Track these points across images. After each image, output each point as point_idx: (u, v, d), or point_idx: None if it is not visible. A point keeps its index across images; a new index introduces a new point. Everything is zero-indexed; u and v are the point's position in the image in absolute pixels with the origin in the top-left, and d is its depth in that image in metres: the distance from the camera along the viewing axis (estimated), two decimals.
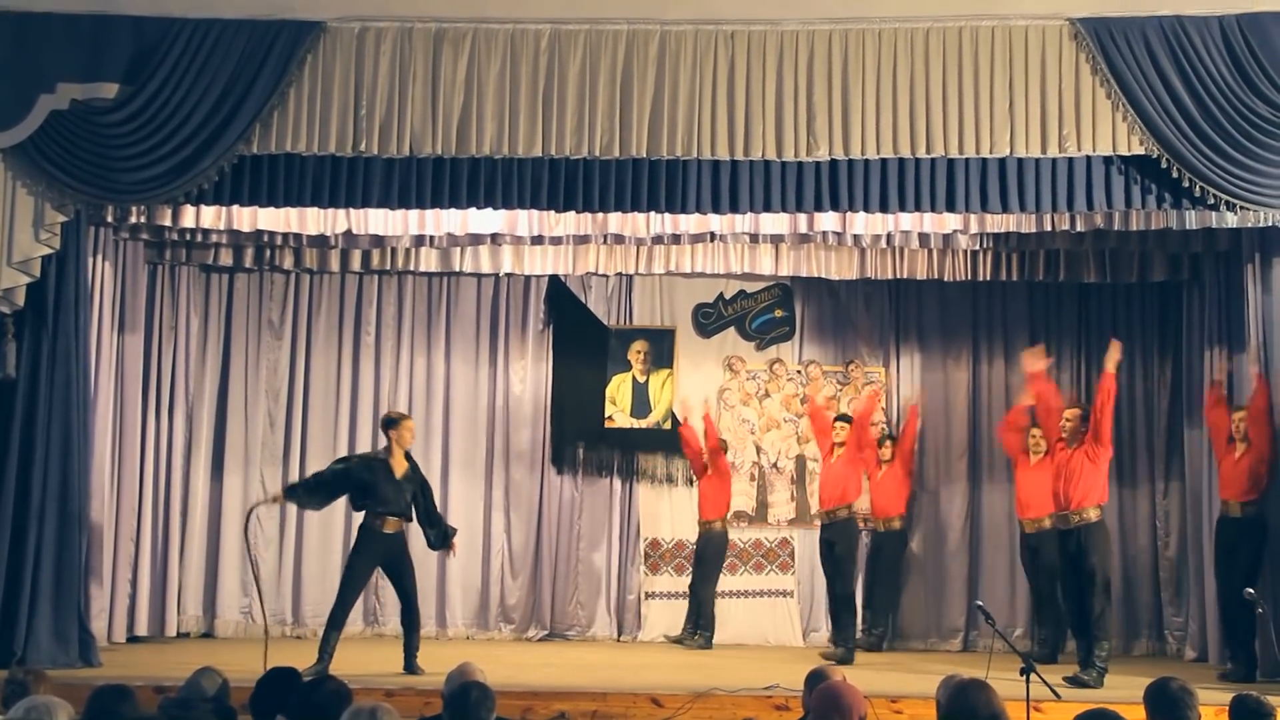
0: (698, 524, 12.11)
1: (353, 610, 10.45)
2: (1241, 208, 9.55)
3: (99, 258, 10.64)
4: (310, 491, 10.23)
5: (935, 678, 6.29)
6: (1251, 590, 9.34)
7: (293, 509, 12.30)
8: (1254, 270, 10.49)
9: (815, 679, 6.20)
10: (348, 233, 10.88)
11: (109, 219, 10.42)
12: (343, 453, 12.23)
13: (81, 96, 9.61)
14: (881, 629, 11.97)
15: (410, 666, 9.78)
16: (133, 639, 11.40)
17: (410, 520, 10.13)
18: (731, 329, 12.92)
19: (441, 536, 10.33)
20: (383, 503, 9.92)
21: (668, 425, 12.75)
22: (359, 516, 10.15)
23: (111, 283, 10.97)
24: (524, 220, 10.87)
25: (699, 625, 11.88)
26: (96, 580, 10.58)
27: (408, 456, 10.17)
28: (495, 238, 11.26)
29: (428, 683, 8.57)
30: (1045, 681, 7.94)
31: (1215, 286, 11.37)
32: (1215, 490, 10.86)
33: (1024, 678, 7.29)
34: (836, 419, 11.73)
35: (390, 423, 10.29)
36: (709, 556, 11.99)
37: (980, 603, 9.64)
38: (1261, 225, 9.91)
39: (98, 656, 9.87)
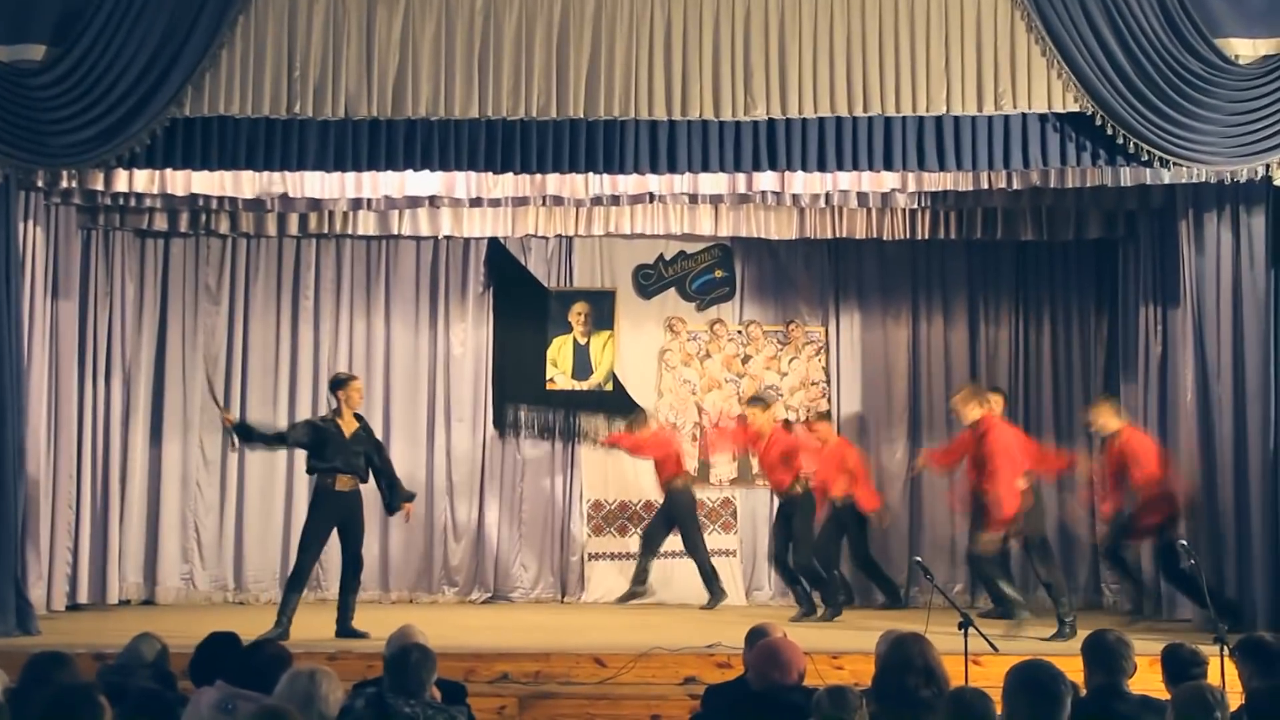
0: (662, 487, 12.11)
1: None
2: (1175, 164, 9.63)
3: (30, 223, 10.46)
4: (257, 434, 10.33)
5: (876, 634, 6.35)
6: (1184, 543, 9.48)
7: (233, 475, 12.28)
8: (1188, 226, 10.59)
9: (755, 635, 6.24)
10: (284, 196, 10.78)
11: (39, 184, 10.25)
12: (283, 419, 12.21)
13: (7, 59, 9.45)
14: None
15: (345, 629, 9.76)
16: (73, 607, 11.31)
17: (364, 480, 10.11)
18: (672, 290, 12.92)
19: (398, 497, 10.29)
20: (333, 461, 9.89)
21: (609, 387, 12.75)
22: (303, 483, 10.08)
23: (43, 248, 10.79)
24: (462, 182, 10.81)
25: (708, 585, 11.94)
26: (34, 548, 10.46)
27: (358, 417, 10.16)
28: (433, 200, 11.20)
29: (369, 646, 8.56)
30: (984, 635, 8.03)
31: (1150, 243, 11.49)
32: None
33: (962, 631, 7.38)
34: (750, 402, 11.85)
35: (338, 383, 10.28)
36: (682, 516, 12.01)
37: (919, 559, 9.72)
38: (1194, 181, 10.00)
39: (36, 624, 9.79)
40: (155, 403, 12.41)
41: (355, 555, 10.08)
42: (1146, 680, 5.88)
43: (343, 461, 9.93)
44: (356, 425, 10.09)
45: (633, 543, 12.48)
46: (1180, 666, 5.74)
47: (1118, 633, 5.62)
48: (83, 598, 11.48)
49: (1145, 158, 9.56)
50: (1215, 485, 10.29)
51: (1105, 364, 12.50)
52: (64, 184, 10.38)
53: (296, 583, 9.94)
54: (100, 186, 10.43)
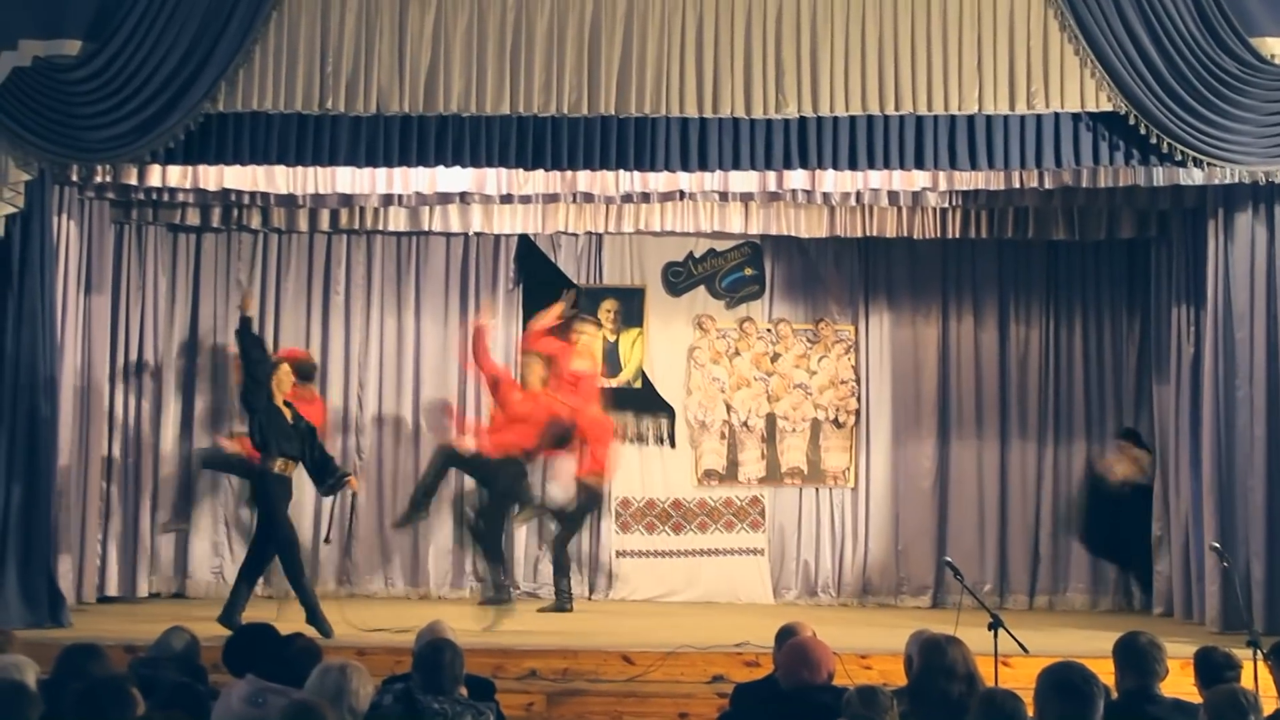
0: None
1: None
2: (1208, 164, 9.58)
3: (64, 217, 10.55)
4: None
5: (904, 633, 6.33)
6: (1217, 545, 9.43)
7: None
8: (1218, 226, 10.53)
9: (785, 635, 6.23)
10: (315, 192, 10.81)
11: (74, 178, 10.33)
12: None
13: (44, 53, 9.51)
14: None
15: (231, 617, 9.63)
16: (103, 599, 11.37)
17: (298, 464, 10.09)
18: (701, 288, 12.90)
19: (334, 482, 10.20)
20: (279, 445, 9.87)
21: (638, 384, 12.75)
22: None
23: (77, 242, 10.87)
24: (493, 179, 10.83)
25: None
26: (65, 541, 10.53)
27: (287, 404, 10.10)
28: (464, 196, 11.21)
29: (399, 641, 8.57)
30: (1014, 636, 8.00)
31: (1182, 243, 11.42)
32: (1181, 445, 10.98)
33: (992, 632, 7.35)
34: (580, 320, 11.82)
35: (273, 366, 10.26)
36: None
37: (949, 559, 9.69)
38: (1227, 182, 9.94)
39: (68, 617, 9.84)
40: (186, 396, 12.45)
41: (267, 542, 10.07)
42: (1178, 684, 5.86)
43: (286, 445, 9.90)
44: (289, 410, 10.06)
45: (660, 540, 12.49)
46: (1213, 670, 5.71)
47: (1150, 635, 5.58)
48: (112, 590, 11.55)
49: (1178, 157, 9.51)
50: (1247, 488, 10.21)
51: (1137, 365, 12.43)
52: (98, 178, 10.47)
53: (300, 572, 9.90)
54: (134, 181, 10.51)
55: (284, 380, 10.08)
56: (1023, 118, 9.56)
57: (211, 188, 10.63)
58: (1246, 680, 6.09)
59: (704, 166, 9.81)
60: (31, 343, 9.73)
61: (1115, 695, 5.34)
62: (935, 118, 9.58)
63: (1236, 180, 9.83)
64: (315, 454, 10.08)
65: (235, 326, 10.56)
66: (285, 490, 9.98)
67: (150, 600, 11.85)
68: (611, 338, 12.80)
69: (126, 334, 11.86)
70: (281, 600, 10.24)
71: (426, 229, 12.15)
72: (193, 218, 11.78)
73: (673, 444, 12.70)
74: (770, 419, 12.72)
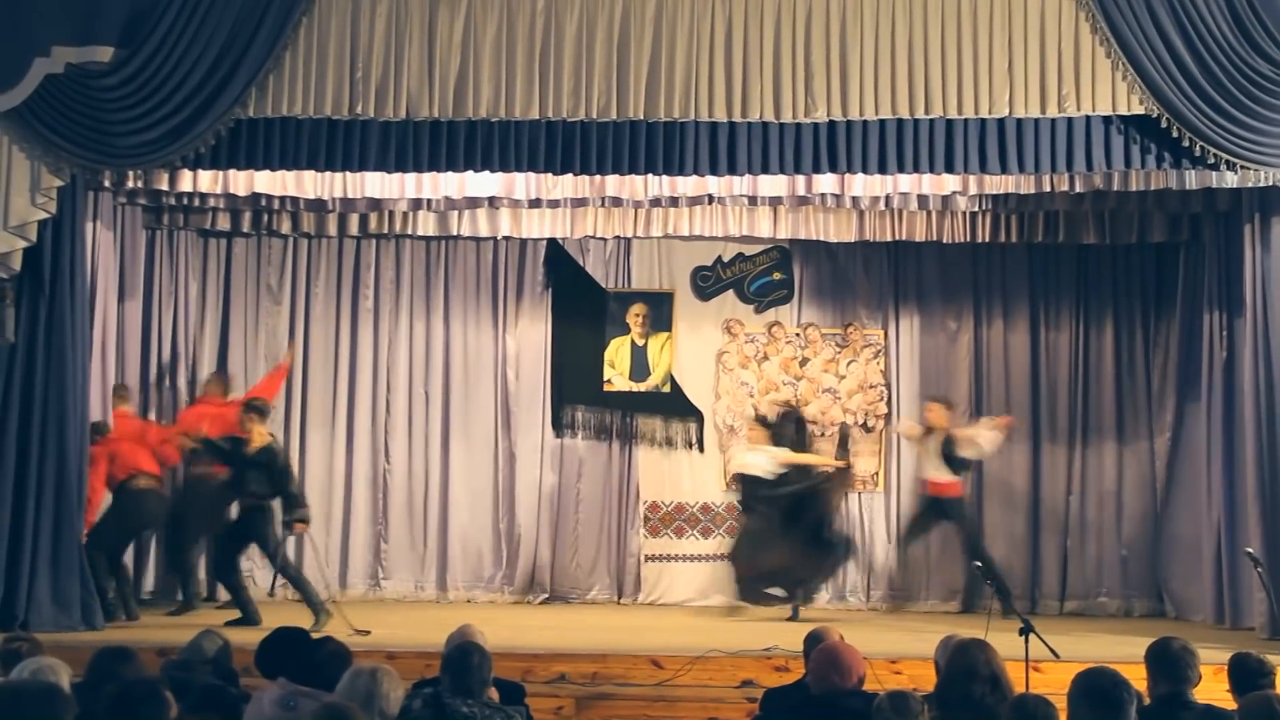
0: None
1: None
2: (1242, 167, 9.53)
3: (96, 223, 10.62)
4: None
5: (934, 638, 6.31)
6: (1251, 550, 9.38)
7: None
8: (1253, 230, 10.46)
9: (814, 640, 6.22)
10: (345, 196, 10.85)
11: (106, 183, 10.40)
12: (341, 416, 12.56)
13: (76, 60, 9.56)
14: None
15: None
16: (138, 603, 11.38)
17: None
18: (730, 292, 12.89)
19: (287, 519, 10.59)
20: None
21: (666, 389, 12.75)
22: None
23: (109, 248, 10.95)
24: (521, 183, 10.85)
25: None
26: None
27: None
28: (493, 201, 11.24)
29: (429, 645, 8.58)
30: (1045, 641, 7.96)
31: (1215, 247, 11.35)
32: (1214, 451, 10.92)
33: (1023, 638, 7.32)
34: None
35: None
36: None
37: (979, 563, 9.66)
38: (1262, 185, 9.89)
39: (101, 620, 9.89)
40: None
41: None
42: (1211, 690, 5.82)
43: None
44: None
45: (689, 544, 12.50)
46: (1247, 676, 5.67)
47: (1183, 641, 5.55)
48: (145, 595, 11.59)
49: (1211, 161, 9.47)
50: None
51: (1166, 368, 12.34)
52: (130, 184, 10.53)
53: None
54: (165, 186, 10.56)
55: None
56: (1053, 121, 9.53)
57: (242, 193, 10.68)
58: None
59: (733, 170, 9.81)
60: (62, 347, 9.78)
61: (1148, 701, 5.31)
62: (965, 121, 9.56)
63: (1271, 183, 9.77)
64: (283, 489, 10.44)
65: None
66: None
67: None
68: (640, 342, 12.80)
69: (160, 339, 11.93)
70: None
71: (455, 233, 12.18)
72: (223, 223, 11.84)
73: (701, 448, 12.69)
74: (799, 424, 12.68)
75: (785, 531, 11.26)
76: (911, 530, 11.95)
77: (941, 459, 11.53)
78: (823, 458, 11.88)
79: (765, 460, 11.43)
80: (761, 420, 11.88)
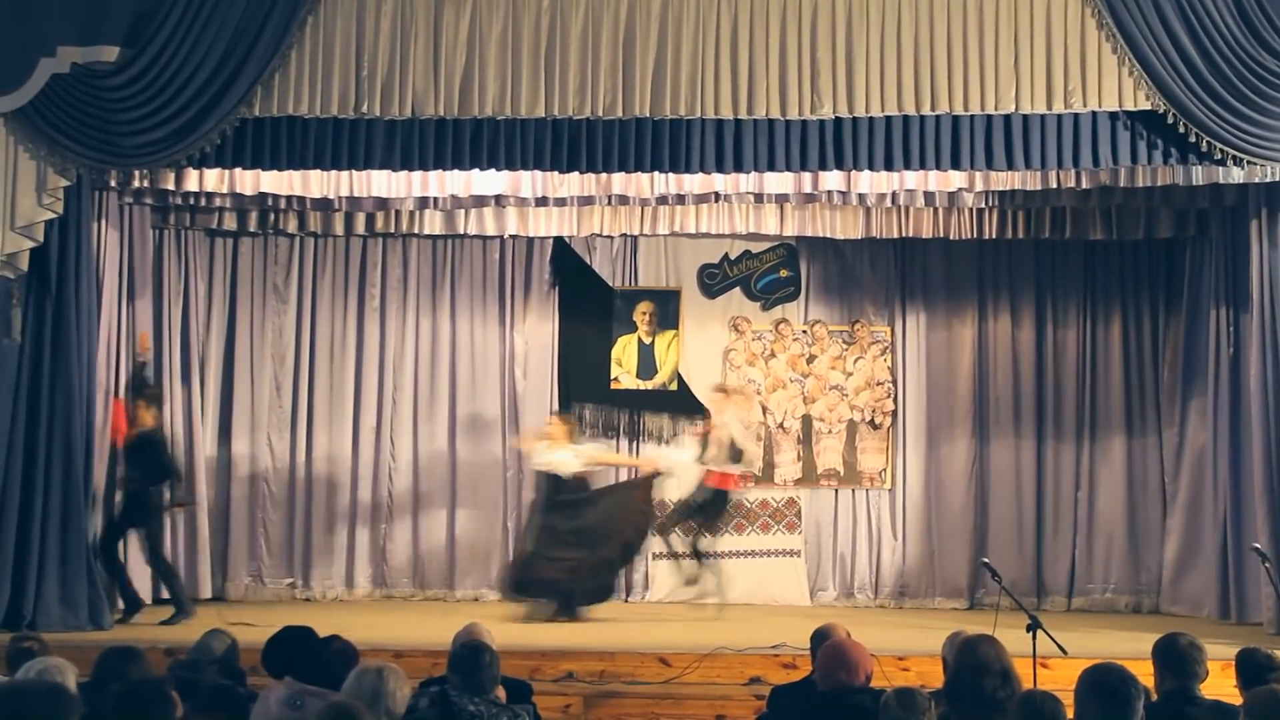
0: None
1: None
2: (1248, 162, 9.53)
3: (103, 222, 10.64)
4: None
5: (941, 634, 6.30)
6: (1258, 545, 9.36)
7: (301, 472, 12.40)
8: (1260, 226, 10.44)
9: (821, 637, 6.21)
10: (351, 195, 10.86)
11: (112, 183, 10.42)
12: (348, 415, 12.52)
13: (82, 60, 9.58)
14: None
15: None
16: (159, 601, 11.37)
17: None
18: (737, 289, 12.88)
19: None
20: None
21: (674, 387, 12.74)
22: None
23: (116, 247, 10.96)
24: (528, 181, 10.85)
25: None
26: None
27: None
28: (499, 199, 11.24)
29: (436, 643, 8.58)
30: (1052, 638, 7.95)
31: (1221, 243, 11.34)
32: (1220, 446, 10.90)
33: (1031, 634, 7.31)
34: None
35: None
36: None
37: (986, 560, 9.64)
38: (1268, 180, 9.89)
39: (108, 619, 9.91)
40: (224, 401, 12.51)
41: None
42: (1219, 685, 5.81)
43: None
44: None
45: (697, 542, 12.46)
46: (1255, 671, 5.65)
47: (1190, 637, 5.53)
48: (150, 595, 11.59)
49: (1218, 156, 9.46)
50: None
51: (1173, 364, 12.32)
52: (136, 184, 10.55)
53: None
54: (171, 186, 10.59)
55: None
56: (1060, 117, 9.52)
57: (248, 192, 10.70)
58: None
59: (739, 168, 9.81)
60: (69, 347, 9.80)
61: (1155, 697, 5.30)
62: (971, 118, 9.56)
63: (1278, 178, 9.76)
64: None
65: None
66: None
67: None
68: (647, 340, 12.80)
69: (169, 339, 11.93)
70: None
71: (462, 232, 12.18)
72: (230, 222, 11.84)
73: None
74: (806, 420, 12.70)
75: (577, 538, 10.88)
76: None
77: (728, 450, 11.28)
78: (635, 460, 11.68)
79: (569, 458, 11.09)
80: (562, 416, 11.65)
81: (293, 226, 12.02)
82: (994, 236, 11.99)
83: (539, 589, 10.89)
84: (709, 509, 11.39)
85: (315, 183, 10.70)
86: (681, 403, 12.65)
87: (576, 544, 10.88)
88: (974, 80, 9.46)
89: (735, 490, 11.51)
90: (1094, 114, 9.50)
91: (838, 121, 9.60)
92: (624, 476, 11.94)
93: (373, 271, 12.77)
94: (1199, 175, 10.05)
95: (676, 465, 11.58)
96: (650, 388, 12.76)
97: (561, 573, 10.80)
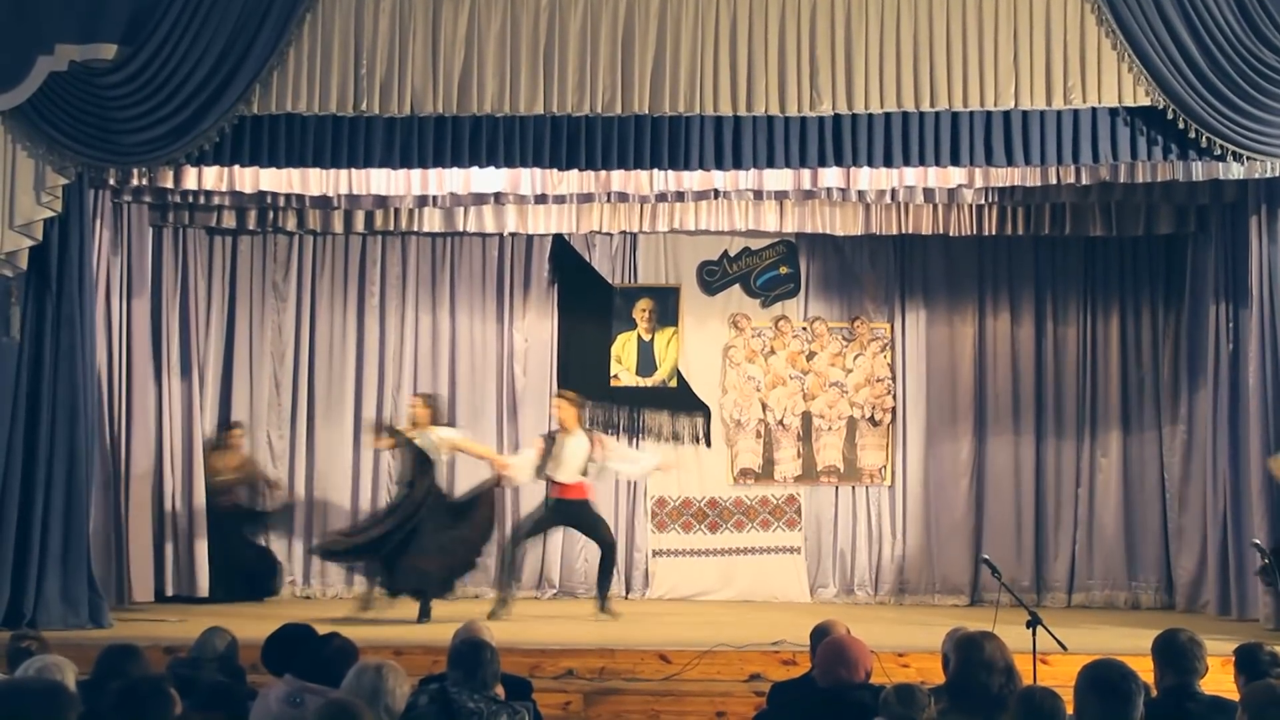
0: None
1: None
2: (1248, 158, 9.52)
3: (102, 221, 10.62)
4: None
5: (941, 631, 6.30)
6: (1258, 541, 9.37)
7: (301, 470, 12.41)
8: (1260, 222, 10.45)
9: (820, 633, 6.21)
10: (350, 193, 10.85)
11: (111, 181, 10.40)
12: (349, 414, 12.53)
13: (80, 58, 9.57)
14: None
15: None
16: (163, 600, 11.39)
17: None
18: (736, 286, 12.87)
19: None
20: None
21: (673, 384, 12.74)
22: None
23: (115, 246, 10.95)
24: (527, 179, 10.84)
25: None
26: (107, 544, 10.60)
27: None
28: (498, 197, 11.23)
29: (436, 640, 8.58)
30: (1052, 634, 7.95)
31: (1222, 239, 11.33)
32: (1220, 442, 10.90)
33: (1031, 630, 7.30)
34: None
35: None
36: None
37: (986, 556, 9.64)
38: (1268, 176, 9.88)
39: (108, 618, 9.91)
40: (223, 398, 12.51)
41: None
42: (1219, 681, 5.81)
43: None
44: None
45: (696, 539, 12.49)
46: (1255, 666, 5.65)
47: (1190, 633, 5.53)
48: (145, 595, 11.56)
49: (1218, 152, 9.45)
50: None
51: (1173, 360, 12.31)
52: (135, 182, 10.54)
53: None
54: (170, 184, 10.57)
55: None
56: (1059, 113, 9.52)
57: (247, 190, 10.68)
58: None
59: (738, 165, 9.80)
60: (70, 346, 9.79)
61: (1155, 693, 5.30)
62: (971, 114, 9.55)
63: (1278, 174, 9.75)
64: None
65: None
66: None
67: (191, 602, 11.83)
68: (647, 337, 12.80)
69: (168, 337, 11.91)
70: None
71: (461, 230, 12.17)
72: (229, 220, 11.82)
73: (708, 443, 12.69)
74: (806, 417, 12.70)
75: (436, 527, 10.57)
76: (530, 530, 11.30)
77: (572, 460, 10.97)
78: (499, 458, 11.30)
79: (429, 441, 10.72)
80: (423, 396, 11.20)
81: (292, 224, 12.01)
82: (994, 233, 11.98)
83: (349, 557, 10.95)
84: (559, 522, 11.17)
85: (314, 180, 10.68)
86: (681, 400, 12.65)
87: (438, 550, 10.55)
88: (973, 76, 9.45)
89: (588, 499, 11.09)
90: (1094, 110, 9.49)
91: (837, 118, 9.59)
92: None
93: (372, 269, 12.77)
94: (1199, 171, 10.05)
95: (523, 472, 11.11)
96: (650, 385, 12.76)
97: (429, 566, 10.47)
